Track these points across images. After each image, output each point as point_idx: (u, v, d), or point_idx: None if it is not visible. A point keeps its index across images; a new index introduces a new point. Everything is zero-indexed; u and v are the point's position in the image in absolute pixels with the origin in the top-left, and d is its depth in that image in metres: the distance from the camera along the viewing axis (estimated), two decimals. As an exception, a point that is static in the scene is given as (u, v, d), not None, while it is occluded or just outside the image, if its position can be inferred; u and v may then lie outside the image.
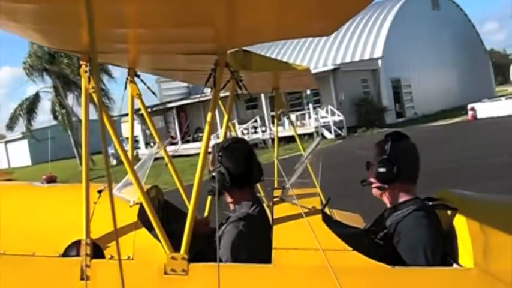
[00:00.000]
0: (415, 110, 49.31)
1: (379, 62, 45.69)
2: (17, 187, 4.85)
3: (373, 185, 3.93)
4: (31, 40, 3.31)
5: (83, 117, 3.45)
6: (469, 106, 41.53)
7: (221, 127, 6.37)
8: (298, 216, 3.49)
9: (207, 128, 3.51)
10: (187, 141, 44.41)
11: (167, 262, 3.47)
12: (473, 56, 60.53)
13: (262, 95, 38.00)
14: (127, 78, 4.64)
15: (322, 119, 40.30)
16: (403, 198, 3.82)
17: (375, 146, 3.95)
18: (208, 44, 3.43)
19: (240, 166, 3.84)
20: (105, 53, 3.57)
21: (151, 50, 3.75)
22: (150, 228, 3.58)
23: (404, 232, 3.61)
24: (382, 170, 3.81)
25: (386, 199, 3.92)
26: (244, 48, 4.48)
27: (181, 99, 48.61)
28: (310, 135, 38.71)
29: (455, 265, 3.43)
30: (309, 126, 40.22)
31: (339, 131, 39.85)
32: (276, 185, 5.34)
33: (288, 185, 3.77)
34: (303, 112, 42.06)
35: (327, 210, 4.62)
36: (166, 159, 5.18)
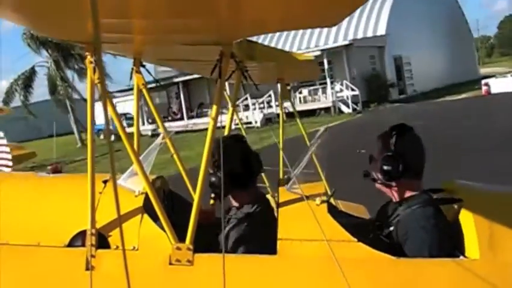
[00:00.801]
0: (414, 87, 50.03)
1: (386, 39, 46.05)
2: (22, 177, 4.86)
3: (378, 182, 3.88)
4: (34, 30, 3.30)
5: (88, 107, 3.45)
6: (483, 82, 43.64)
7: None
8: (303, 207, 3.49)
9: (211, 123, 3.50)
10: (191, 117, 44.37)
11: (172, 252, 3.47)
12: (459, 35, 61.97)
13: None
14: (132, 69, 4.64)
15: (339, 93, 40.60)
16: (408, 193, 3.78)
17: (378, 139, 3.88)
18: (213, 35, 3.42)
19: (237, 167, 3.83)
20: (109, 43, 3.56)
21: (156, 40, 3.74)
22: (155, 219, 3.58)
23: (411, 233, 3.57)
24: (387, 168, 3.74)
25: (391, 194, 3.89)
26: (249, 38, 4.47)
27: (184, 74, 48.15)
28: (327, 109, 38.88)
29: (461, 256, 3.43)
30: (326, 100, 40.59)
31: (355, 106, 40.13)
32: (281, 176, 5.34)
33: (294, 176, 3.77)
34: (316, 87, 42.26)
35: (332, 201, 4.62)
36: (172, 150, 5.17)
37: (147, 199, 3.62)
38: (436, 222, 3.57)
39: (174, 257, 3.47)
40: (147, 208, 3.66)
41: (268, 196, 4.34)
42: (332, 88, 40.80)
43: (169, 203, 4.46)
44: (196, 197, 3.48)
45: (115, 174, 2.74)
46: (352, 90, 40.54)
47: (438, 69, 54.76)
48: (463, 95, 44.06)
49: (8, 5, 2.67)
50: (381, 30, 45.45)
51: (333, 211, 3.81)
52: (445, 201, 3.73)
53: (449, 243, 3.52)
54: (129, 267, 2.67)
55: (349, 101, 39.85)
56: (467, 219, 3.52)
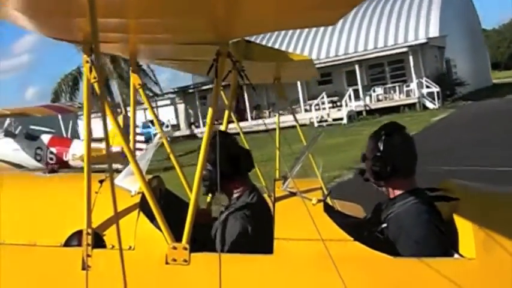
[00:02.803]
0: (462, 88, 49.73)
1: (445, 40, 46.12)
2: (19, 177, 4.86)
3: (370, 181, 3.90)
4: (32, 30, 3.30)
5: (84, 106, 3.45)
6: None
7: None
8: (299, 206, 3.49)
9: (209, 119, 3.50)
10: (245, 120, 44.18)
11: (168, 252, 3.47)
12: (477, 38, 61.87)
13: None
14: (129, 68, 4.64)
15: (424, 89, 40.97)
16: (400, 191, 3.79)
17: (369, 139, 3.90)
18: (209, 34, 3.42)
19: (221, 161, 3.84)
20: (106, 42, 3.56)
21: (153, 39, 3.74)
22: (152, 218, 3.58)
23: (403, 229, 3.58)
24: (376, 168, 3.78)
25: (385, 192, 3.92)
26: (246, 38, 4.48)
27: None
28: (411, 105, 39.88)
29: (456, 255, 3.43)
30: (413, 97, 40.99)
31: (433, 103, 40.48)
32: (277, 176, 5.35)
33: (290, 176, 3.77)
34: (391, 85, 42.80)
35: (328, 200, 4.62)
36: (168, 150, 5.17)
37: (143, 199, 3.62)
38: (429, 218, 3.59)
39: (170, 256, 3.48)
40: (143, 208, 3.66)
41: (265, 196, 4.34)
42: (407, 86, 41.47)
43: (165, 202, 4.46)
44: (192, 197, 3.48)
45: (112, 174, 2.75)
46: (428, 87, 40.93)
47: (476, 71, 55.09)
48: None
49: (4, 4, 2.67)
50: (434, 32, 45.02)
51: (329, 210, 3.82)
52: (439, 199, 3.74)
53: (444, 241, 3.53)
54: (126, 267, 2.68)
55: (435, 97, 40.15)
56: (463, 218, 3.52)
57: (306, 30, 44.98)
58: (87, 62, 3.26)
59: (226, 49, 3.45)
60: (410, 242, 3.52)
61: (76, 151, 22.26)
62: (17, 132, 23.07)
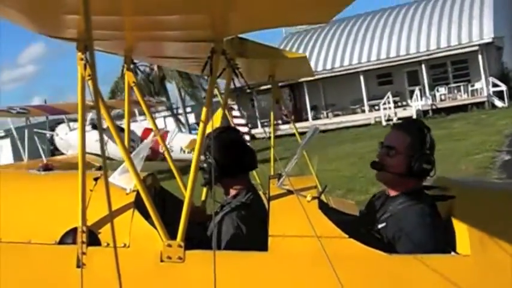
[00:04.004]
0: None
1: (504, 40, 45.50)
2: (13, 175, 4.85)
3: (394, 174, 3.77)
4: (25, 27, 3.29)
5: (79, 104, 3.44)
6: None
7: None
8: (294, 203, 3.50)
9: (203, 114, 3.50)
10: (306, 120, 44.04)
11: (163, 249, 3.47)
12: None
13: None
14: (123, 66, 4.63)
15: (491, 88, 40.78)
16: (402, 188, 3.77)
17: (403, 131, 3.81)
18: (204, 31, 3.42)
19: (226, 155, 3.85)
20: (100, 40, 3.56)
21: (148, 37, 3.74)
22: (147, 216, 3.58)
23: (406, 230, 3.56)
24: (424, 165, 3.67)
25: (391, 187, 3.87)
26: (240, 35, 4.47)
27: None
28: (480, 104, 39.73)
29: (452, 252, 3.44)
30: (481, 95, 40.77)
31: (502, 101, 40.10)
32: (272, 173, 5.35)
33: (284, 173, 3.78)
34: (455, 85, 42.49)
35: (323, 197, 4.63)
36: (163, 148, 5.17)
37: (138, 196, 3.62)
38: (432, 220, 3.57)
39: (165, 254, 3.48)
40: (138, 205, 3.66)
41: (260, 193, 4.34)
42: (472, 85, 41.29)
43: (160, 200, 4.47)
44: (187, 194, 3.48)
45: (106, 172, 2.74)
46: (495, 86, 40.69)
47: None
48: None
49: None
50: (488, 33, 44.73)
51: (324, 207, 3.82)
52: (439, 199, 3.73)
53: (444, 240, 3.53)
54: (120, 265, 2.68)
55: (505, 95, 39.78)
56: (459, 216, 3.53)
57: (368, 31, 45.60)
58: (82, 59, 3.26)
59: (221, 47, 3.45)
60: (410, 245, 3.49)
61: (174, 143, 22.87)
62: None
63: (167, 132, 25.10)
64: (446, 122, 33.13)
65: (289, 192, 3.64)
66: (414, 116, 37.38)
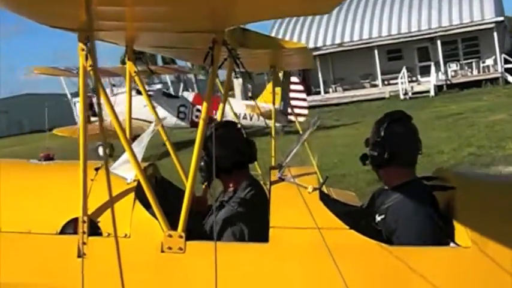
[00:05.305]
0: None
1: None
2: (14, 164, 4.85)
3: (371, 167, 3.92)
4: (27, 17, 3.27)
5: (80, 94, 3.43)
6: None
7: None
8: (295, 194, 3.50)
9: (205, 107, 3.49)
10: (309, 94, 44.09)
11: (164, 240, 3.48)
12: None
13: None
14: (124, 55, 4.62)
15: (503, 65, 41.27)
16: (398, 181, 3.79)
17: (374, 124, 3.92)
18: (205, 22, 3.41)
19: (221, 152, 3.83)
20: (101, 30, 3.55)
21: (149, 28, 3.73)
22: (148, 206, 3.59)
23: (402, 220, 3.59)
24: (373, 153, 3.80)
25: (383, 180, 3.93)
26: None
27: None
28: (494, 80, 40.27)
29: (452, 244, 3.45)
30: (495, 72, 41.35)
31: None
32: (273, 164, 5.35)
33: (285, 164, 3.78)
34: (467, 61, 43.14)
35: (324, 188, 4.63)
36: (164, 138, 5.16)
37: (139, 186, 3.62)
38: (427, 212, 3.58)
39: (166, 244, 3.48)
40: (139, 195, 3.66)
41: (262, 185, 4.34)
42: (483, 62, 41.83)
43: (161, 190, 4.46)
44: (188, 185, 3.48)
45: (107, 162, 2.74)
46: (507, 63, 41.09)
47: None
48: None
49: None
50: (501, 11, 44.46)
51: (325, 199, 3.82)
52: (437, 188, 3.74)
53: (441, 231, 3.54)
54: (121, 255, 2.68)
55: None
56: (459, 207, 3.54)
57: (376, 6, 45.85)
58: (83, 50, 3.25)
59: (222, 37, 3.44)
60: (406, 235, 3.52)
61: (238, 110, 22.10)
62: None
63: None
64: (459, 98, 33.75)
65: (290, 183, 3.64)
66: (431, 90, 38.30)
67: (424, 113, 26.12)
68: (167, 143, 5.18)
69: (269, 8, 3.29)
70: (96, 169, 3.80)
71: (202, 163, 3.86)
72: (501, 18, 42.38)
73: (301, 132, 6.09)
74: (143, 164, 3.99)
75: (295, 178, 3.63)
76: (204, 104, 3.53)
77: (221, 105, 3.64)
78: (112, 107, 3.58)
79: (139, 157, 3.75)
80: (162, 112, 21.46)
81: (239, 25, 4.21)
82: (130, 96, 4.94)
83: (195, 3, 2.92)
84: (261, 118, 19.74)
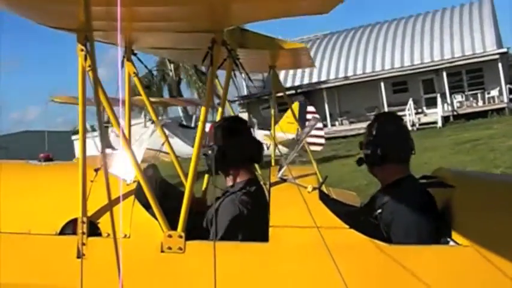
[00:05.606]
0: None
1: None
2: (14, 165, 4.84)
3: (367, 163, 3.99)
4: (26, 17, 3.27)
5: (79, 96, 3.43)
6: None
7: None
8: (295, 194, 3.50)
9: (203, 110, 3.50)
10: (334, 125, 44.31)
11: (164, 240, 3.48)
12: None
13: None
14: (124, 57, 4.62)
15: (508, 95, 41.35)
16: (393, 177, 3.86)
17: (366, 127, 4.01)
18: (204, 22, 3.41)
19: (230, 145, 3.83)
20: (100, 31, 3.55)
21: (148, 28, 3.73)
22: (147, 207, 3.59)
23: (396, 215, 3.64)
24: (367, 152, 3.89)
25: (379, 179, 3.99)
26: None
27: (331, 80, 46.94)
28: (499, 110, 40.15)
29: (451, 243, 3.45)
30: (500, 102, 41.29)
31: None
32: (273, 164, 5.35)
33: (285, 164, 3.78)
34: (471, 92, 42.94)
35: (324, 188, 4.63)
36: (163, 139, 5.17)
37: (138, 187, 3.63)
38: (420, 205, 3.63)
39: (166, 244, 3.48)
40: (138, 196, 3.66)
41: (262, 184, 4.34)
42: (488, 93, 41.74)
43: (160, 191, 4.46)
44: (188, 185, 3.48)
45: (107, 163, 2.74)
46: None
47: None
48: None
49: None
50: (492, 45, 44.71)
51: (325, 198, 3.83)
52: (432, 185, 3.78)
53: (438, 228, 3.55)
54: (121, 255, 2.68)
55: None
56: (457, 206, 3.54)
57: (379, 39, 45.93)
58: (82, 50, 3.25)
59: (221, 37, 3.44)
60: (400, 227, 3.58)
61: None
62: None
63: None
64: (466, 127, 33.66)
65: (290, 182, 3.64)
66: (439, 121, 38.55)
67: (440, 140, 26.29)
68: (166, 144, 5.19)
69: (268, 8, 3.29)
70: (96, 170, 3.80)
71: (209, 151, 3.83)
72: (504, 50, 42.57)
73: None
74: (143, 165, 3.99)
75: (295, 178, 3.63)
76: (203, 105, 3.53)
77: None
78: (111, 107, 3.58)
79: (139, 158, 3.75)
80: (178, 142, 21.77)
81: (238, 25, 4.22)
82: (129, 98, 4.94)
83: (194, 3, 2.92)
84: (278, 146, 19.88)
